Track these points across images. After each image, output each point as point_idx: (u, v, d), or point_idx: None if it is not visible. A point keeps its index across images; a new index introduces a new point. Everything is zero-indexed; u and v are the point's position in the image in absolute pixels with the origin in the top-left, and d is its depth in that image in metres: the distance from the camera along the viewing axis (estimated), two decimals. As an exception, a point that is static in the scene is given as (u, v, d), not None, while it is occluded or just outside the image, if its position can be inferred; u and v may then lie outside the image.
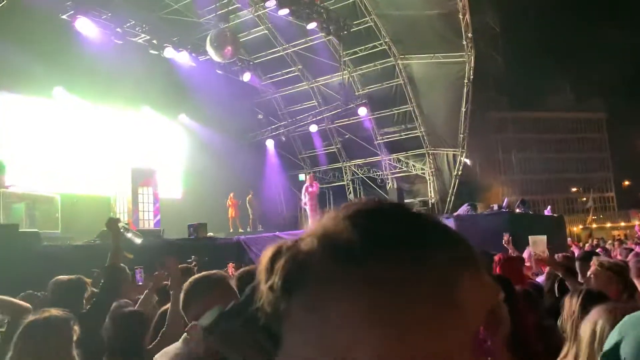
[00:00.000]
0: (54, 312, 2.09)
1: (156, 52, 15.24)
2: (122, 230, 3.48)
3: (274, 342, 0.50)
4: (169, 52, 15.28)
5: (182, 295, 1.97)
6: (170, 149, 17.95)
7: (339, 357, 0.46)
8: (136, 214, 13.02)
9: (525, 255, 5.99)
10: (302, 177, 21.93)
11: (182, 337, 1.93)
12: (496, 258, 4.05)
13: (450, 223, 9.82)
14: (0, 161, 11.06)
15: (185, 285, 2.00)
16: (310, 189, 14.62)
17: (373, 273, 0.46)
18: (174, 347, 1.96)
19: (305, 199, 14.68)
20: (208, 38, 14.02)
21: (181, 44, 15.59)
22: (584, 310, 1.97)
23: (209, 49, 14.00)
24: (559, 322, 2.25)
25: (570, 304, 2.19)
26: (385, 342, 0.45)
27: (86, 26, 13.07)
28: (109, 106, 15.55)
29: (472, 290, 0.48)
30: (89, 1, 13.15)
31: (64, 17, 12.99)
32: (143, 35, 14.88)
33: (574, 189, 53.65)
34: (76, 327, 2.08)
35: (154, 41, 15.04)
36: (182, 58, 15.64)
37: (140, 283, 4.72)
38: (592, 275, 3.15)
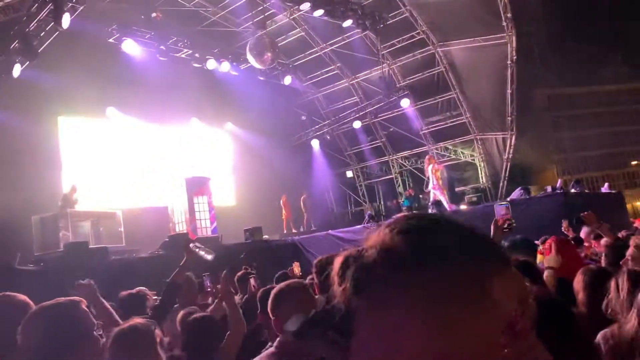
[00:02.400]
0: (138, 320, 2.31)
1: (199, 65, 15.72)
2: (195, 249, 3.83)
3: (347, 337, 0.65)
4: (212, 64, 15.72)
5: (271, 299, 2.29)
6: (220, 157, 18.48)
7: (397, 347, 0.59)
8: (193, 222, 13.49)
9: (582, 235, 5.88)
10: (349, 173, 22.08)
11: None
12: (548, 241, 4.02)
13: (503, 208, 9.67)
14: (73, 184, 11.79)
15: (275, 291, 2.33)
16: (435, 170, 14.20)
17: (422, 279, 0.59)
18: (266, 354, 2.24)
19: (432, 183, 14.24)
20: (247, 46, 14.34)
21: (222, 54, 16.01)
22: (635, 285, 2.02)
23: (249, 57, 14.32)
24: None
25: (617, 285, 2.22)
26: (433, 334, 0.58)
27: (132, 47, 13.68)
28: (159, 121, 16.17)
29: (502, 287, 0.61)
30: (132, 23, 13.73)
31: (111, 40, 13.62)
32: (185, 49, 15.38)
33: (634, 162, 51.22)
34: (158, 331, 2.30)
35: (196, 54, 15.52)
36: (224, 68, 16.05)
37: (208, 289, 5.00)
38: (629, 257, 3.11)
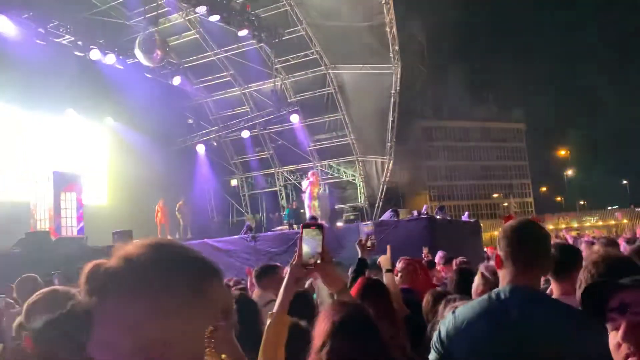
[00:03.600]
0: None
1: (81, 54, 14.79)
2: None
3: (87, 333, 0.79)
4: (95, 54, 14.89)
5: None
6: (96, 153, 17.43)
7: (128, 332, 0.75)
8: (58, 220, 12.57)
9: (436, 259, 6.43)
10: (234, 182, 21.93)
11: None
12: (399, 264, 4.37)
13: (371, 229, 10.25)
14: None
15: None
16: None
17: (153, 280, 0.78)
18: None
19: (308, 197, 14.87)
20: (137, 41, 13.81)
21: (108, 46, 15.23)
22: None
23: (137, 52, 13.79)
24: None
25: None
26: (157, 321, 0.76)
27: (5, 25, 12.53)
28: (30, 108, 14.90)
29: (213, 292, 0.83)
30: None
31: (-21, 14, 12.39)
32: (68, 36, 14.42)
33: (496, 195, 56.63)
34: None
35: (79, 42, 14.61)
36: (109, 60, 15.27)
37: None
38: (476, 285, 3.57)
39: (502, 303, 1.80)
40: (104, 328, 0.77)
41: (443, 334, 1.85)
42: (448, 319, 1.88)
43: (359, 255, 3.78)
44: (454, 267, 5.51)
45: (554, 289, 2.55)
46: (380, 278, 3.48)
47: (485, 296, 1.89)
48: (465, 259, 5.15)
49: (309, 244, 1.73)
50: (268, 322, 1.66)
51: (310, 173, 15.87)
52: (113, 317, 0.77)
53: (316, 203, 14.93)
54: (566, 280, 2.44)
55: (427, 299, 3.38)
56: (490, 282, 3.65)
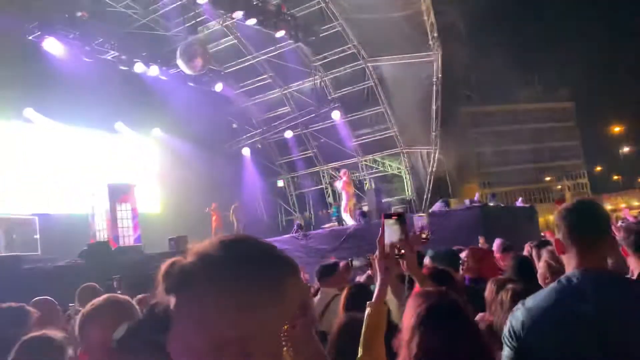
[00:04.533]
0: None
1: (126, 68, 15.26)
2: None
3: (167, 334, 0.79)
4: (139, 67, 15.31)
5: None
6: (146, 163, 17.96)
7: (207, 329, 0.74)
8: (116, 230, 13.00)
9: (494, 247, 6.26)
10: (280, 183, 22.13)
11: None
12: (464, 253, 4.28)
13: (423, 220, 10.07)
14: None
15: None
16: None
17: (231, 276, 0.77)
18: None
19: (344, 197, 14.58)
20: (178, 51, 14.11)
21: (151, 58, 15.63)
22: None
23: (179, 61, 14.09)
24: None
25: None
26: (237, 316, 0.75)
27: (54, 46, 13.06)
28: (82, 124, 15.50)
29: (292, 289, 0.82)
30: (55, 21, 13.14)
31: (31, 38, 12.96)
32: (112, 51, 14.89)
33: (548, 178, 54.75)
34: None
35: (123, 57, 15.06)
36: (153, 72, 15.68)
37: (118, 292, 4.85)
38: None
39: (575, 289, 1.72)
40: (180, 327, 0.76)
41: (516, 327, 1.76)
42: (519, 311, 1.80)
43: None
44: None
45: (634, 266, 2.43)
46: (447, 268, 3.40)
47: (555, 284, 1.80)
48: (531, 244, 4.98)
49: (391, 234, 1.72)
50: (366, 313, 1.67)
51: (342, 172, 15.61)
52: (189, 315, 0.75)
53: (352, 203, 14.56)
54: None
55: (489, 288, 3.26)
56: (553, 268, 3.52)
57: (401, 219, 1.75)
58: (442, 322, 1.62)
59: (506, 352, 1.79)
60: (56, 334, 2.25)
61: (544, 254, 3.72)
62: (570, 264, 1.79)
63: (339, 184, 14.90)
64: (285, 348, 0.83)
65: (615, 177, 58.94)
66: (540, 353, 1.68)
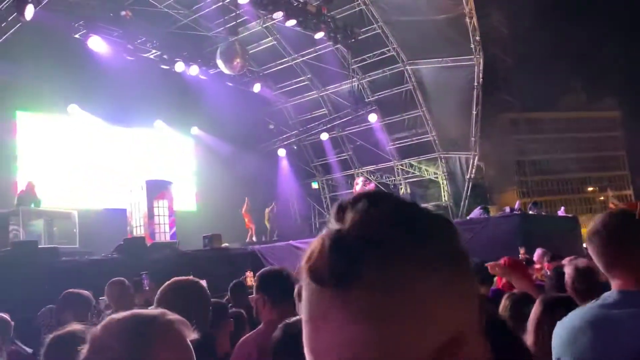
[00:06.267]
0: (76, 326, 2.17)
1: (167, 67, 15.49)
2: None
3: None
4: (180, 67, 15.51)
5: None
6: (184, 161, 18.21)
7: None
8: (152, 226, 13.19)
9: (535, 257, 6.01)
10: (315, 185, 22.07)
11: None
12: (501, 262, 4.08)
13: (461, 226, 9.81)
14: (28, 182, 11.38)
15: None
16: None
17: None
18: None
19: None
20: (217, 51, 14.24)
21: (191, 58, 15.83)
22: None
23: (218, 61, 14.20)
24: None
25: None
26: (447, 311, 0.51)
27: (98, 44, 13.36)
28: (122, 121, 15.83)
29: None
30: (100, 20, 13.45)
31: (76, 36, 13.30)
32: (154, 50, 15.14)
33: (590, 189, 53.00)
34: None
35: (165, 56, 15.29)
36: (193, 72, 15.87)
37: (146, 288, 4.83)
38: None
39: (609, 311, 1.57)
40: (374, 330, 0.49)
41: (560, 350, 1.61)
42: (556, 335, 1.65)
43: None
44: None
45: None
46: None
47: (591, 304, 1.65)
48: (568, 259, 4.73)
49: None
50: None
51: (361, 180, 15.22)
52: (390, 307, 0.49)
53: None
54: None
55: (504, 304, 2.94)
56: (576, 280, 3.30)
57: None
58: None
59: None
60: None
61: (567, 270, 3.50)
62: (614, 284, 1.63)
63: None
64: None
65: (663, 190, 56.55)
66: None
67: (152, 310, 1.28)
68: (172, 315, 1.24)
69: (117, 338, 1.14)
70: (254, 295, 2.70)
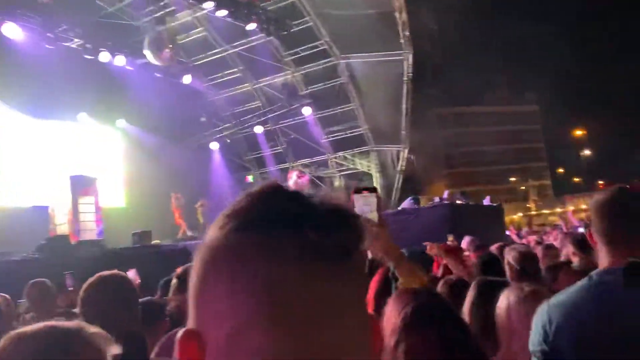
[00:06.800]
0: None
1: (91, 57, 14.74)
2: None
3: None
4: (105, 57, 14.80)
5: None
6: (111, 155, 17.46)
7: None
8: (77, 224, 12.55)
9: (463, 244, 6.24)
10: (250, 178, 21.85)
11: None
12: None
13: (394, 217, 10.07)
14: None
15: None
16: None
17: None
18: None
19: None
20: (145, 41, 13.74)
21: (117, 48, 15.14)
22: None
23: (146, 52, 13.73)
24: None
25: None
26: None
27: (14, 31, 12.51)
28: (43, 114, 14.94)
29: None
30: (16, 5, 12.58)
31: (-12, 22, 12.38)
32: (76, 39, 14.35)
33: (513, 179, 55.96)
34: None
35: (88, 45, 14.52)
36: (119, 62, 15.19)
37: (70, 288, 4.59)
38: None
39: (606, 289, 1.57)
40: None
41: (549, 330, 1.57)
42: (545, 314, 1.61)
43: None
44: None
45: None
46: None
47: (584, 282, 1.64)
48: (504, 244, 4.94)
49: (361, 210, 1.55)
50: None
51: (294, 174, 15.14)
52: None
53: None
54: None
55: (441, 288, 2.92)
56: (515, 269, 3.47)
57: (373, 192, 1.59)
58: (430, 325, 1.41)
59: None
60: None
61: (507, 255, 3.67)
62: (603, 260, 1.64)
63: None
64: None
65: (576, 180, 60.69)
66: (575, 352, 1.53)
67: (68, 324, 1.19)
68: (90, 329, 1.16)
69: (25, 357, 1.05)
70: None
